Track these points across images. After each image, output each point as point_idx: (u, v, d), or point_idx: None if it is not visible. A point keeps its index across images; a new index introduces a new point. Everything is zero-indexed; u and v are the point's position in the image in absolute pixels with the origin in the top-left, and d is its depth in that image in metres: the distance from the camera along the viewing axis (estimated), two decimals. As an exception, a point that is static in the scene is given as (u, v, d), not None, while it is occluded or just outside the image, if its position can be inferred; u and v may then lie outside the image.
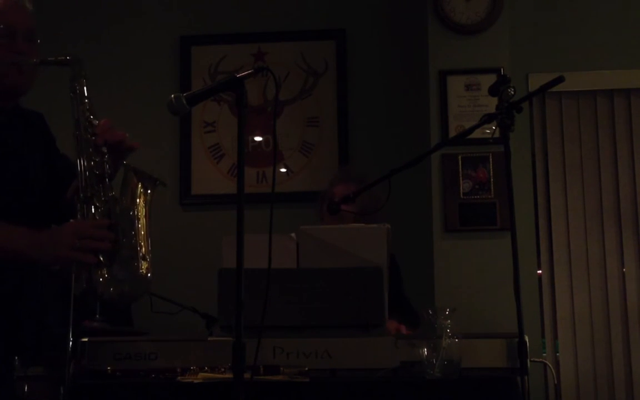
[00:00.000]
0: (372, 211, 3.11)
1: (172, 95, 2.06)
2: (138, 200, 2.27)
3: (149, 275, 2.23)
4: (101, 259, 2.16)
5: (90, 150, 2.23)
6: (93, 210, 2.20)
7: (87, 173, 2.21)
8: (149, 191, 2.30)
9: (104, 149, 2.24)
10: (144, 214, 2.26)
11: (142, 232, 2.24)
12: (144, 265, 2.22)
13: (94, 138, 2.24)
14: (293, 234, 2.50)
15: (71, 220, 2.21)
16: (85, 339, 2.37)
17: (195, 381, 2.20)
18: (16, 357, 2.32)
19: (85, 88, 2.29)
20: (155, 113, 4.45)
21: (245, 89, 2.03)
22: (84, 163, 2.22)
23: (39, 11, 4.53)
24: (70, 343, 3.13)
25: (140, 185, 2.29)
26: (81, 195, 2.20)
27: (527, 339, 2.27)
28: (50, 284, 2.47)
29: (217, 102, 4.53)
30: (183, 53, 4.60)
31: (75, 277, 2.17)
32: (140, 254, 2.22)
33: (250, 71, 2.09)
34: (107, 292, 2.17)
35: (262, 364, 2.13)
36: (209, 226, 4.32)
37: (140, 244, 2.22)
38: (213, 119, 4.55)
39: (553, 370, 3.98)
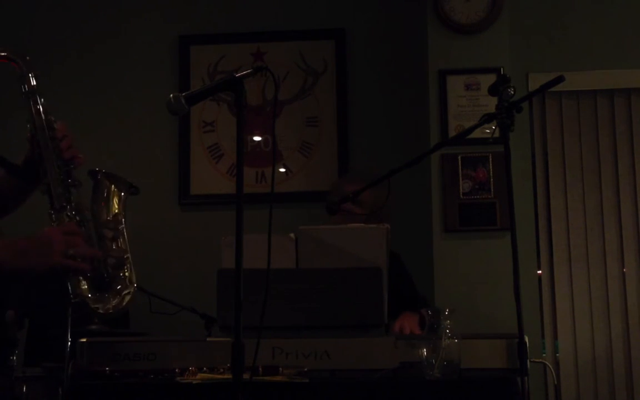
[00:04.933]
0: (380, 208, 3.09)
1: (171, 95, 2.05)
2: (114, 205, 2.22)
3: (132, 283, 2.18)
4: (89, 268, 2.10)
5: (55, 156, 2.13)
6: (67, 219, 2.12)
7: (56, 180, 2.12)
8: (122, 194, 2.25)
9: (65, 155, 2.14)
10: (121, 218, 2.22)
11: (122, 239, 2.20)
12: (129, 273, 2.18)
13: (54, 141, 2.14)
14: (292, 234, 2.50)
15: (52, 226, 2.11)
16: (84, 340, 2.36)
17: (194, 382, 2.19)
18: (14, 358, 2.30)
19: (37, 86, 2.16)
20: (154, 113, 4.45)
21: (244, 89, 2.02)
22: (51, 170, 2.12)
23: (38, 12, 4.54)
24: (69, 344, 3.13)
25: (112, 191, 2.24)
26: (55, 204, 2.12)
27: (527, 339, 2.26)
28: (48, 284, 2.44)
29: (216, 101, 4.52)
30: (182, 52, 4.59)
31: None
32: (124, 263, 2.17)
33: (249, 71, 2.08)
34: (96, 310, 2.12)
35: (261, 364, 2.12)
36: (208, 226, 4.31)
37: (122, 252, 2.18)
38: (212, 119, 4.54)
39: (553, 370, 3.97)
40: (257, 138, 4.51)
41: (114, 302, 2.15)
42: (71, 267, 2.06)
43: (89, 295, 2.10)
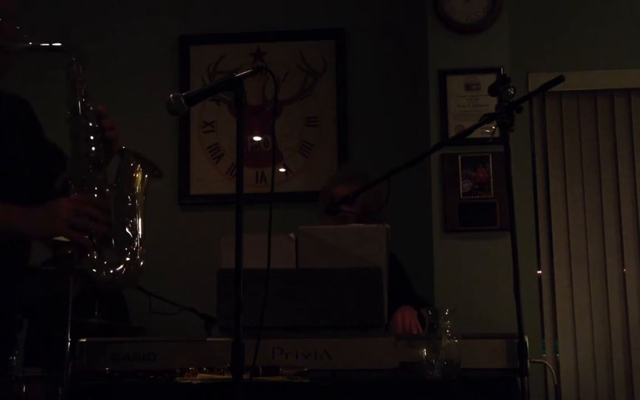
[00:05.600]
0: (375, 210, 3.10)
1: (171, 95, 2.06)
2: (135, 185, 2.25)
3: (141, 263, 2.20)
4: (94, 241, 2.13)
5: (86, 135, 2.20)
6: (89, 191, 2.17)
7: (83, 156, 2.19)
8: (146, 177, 2.28)
9: (107, 134, 2.22)
10: (141, 200, 2.25)
11: (138, 218, 2.22)
12: (138, 251, 2.19)
13: (90, 124, 2.21)
14: (292, 234, 2.50)
15: (62, 198, 2.17)
16: (84, 340, 2.36)
17: (194, 382, 2.19)
18: (13, 358, 2.30)
19: (81, 72, 2.26)
20: (154, 113, 4.44)
21: (244, 89, 2.02)
22: (79, 146, 2.19)
23: (38, 11, 4.53)
24: (69, 344, 3.13)
25: (137, 170, 2.27)
26: (76, 177, 2.18)
27: (527, 339, 2.26)
28: (46, 285, 2.46)
29: (216, 101, 4.52)
30: (182, 52, 4.59)
31: (66, 259, 2.14)
32: (135, 240, 2.19)
33: (249, 71, 2.09)
34: (98, 276, 2.14)
35: (261, 364, 2.12)
36: (208, 226, 4.31)
37: (135, 229, 2.20)
38: (212, 119, 4.54)
39: (553, 370, 3.97)
40: (257, 138, 4.51)
41: (121, 275, 2.16)
42: (73, 237, 2.11)
43: (99, 266, 2.12)
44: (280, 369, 2.21)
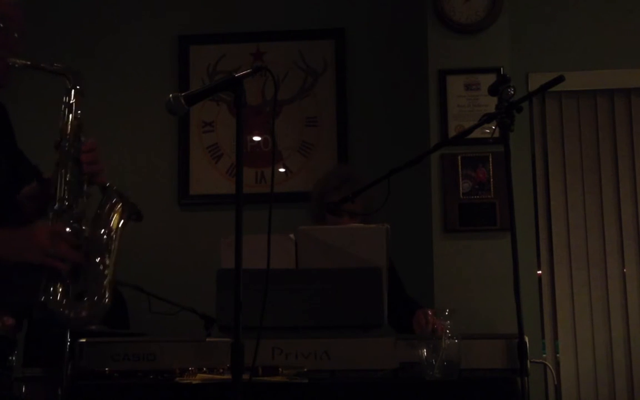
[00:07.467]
0: (366, 213, 3.09)
1: (171, 95, 2.06)
2: (112, 224, 2.24)
3: (107, 301, 2.17)
4: (64, 274, 2.11)
5: (72, 164, 2.20)
6: (65, 222, 2.16)
7: (65, 185, 2.18)
8: (124, 216, 2.27)
9: (84, 168, 2.21)
10: (116, 239, 2.23)
11: (111, 257, 2.20)
12: (106, 291, 2.17)
13: (77, 154, 2.21)
14: (292, 235, 2.50)
15: (39, 224, 2.16)
16: (83, 340, 2.36)
17: (194, 382, 2.19)
18: (13, 358, 2.30)
19: (78, 101, 2.25)
20: (153, 113, 4.44)
21: (243, 89, 2.03)
22: (63, 174, 2.19)
23: (37, 12, 4.53)
24: (68, 344, 3.12)
25: (117, 210, 2.26)
26: (56, 205, 2.16)
27: (527, 339, 2.26)
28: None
29: (216, 101, 4.52)
30: (181, 52, 4.58)
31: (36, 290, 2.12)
32: (104, 279, 2.17)
33: (248, 71, 2.09)
34: (61, 312, 2.12)
35: (260, 365, 2.12)
36: (208, 226, 4.31)
37: (105, 268, 2.18)
38: (211, 119, 4.54)
39: (553, 371, 3.97)
40: (256, 138, 4.51)
41: (84, 313, 2.14)
42: (47, 264, 2.09)
43: (63, 301, 2.10)
44: (280, 369, 2.21)
